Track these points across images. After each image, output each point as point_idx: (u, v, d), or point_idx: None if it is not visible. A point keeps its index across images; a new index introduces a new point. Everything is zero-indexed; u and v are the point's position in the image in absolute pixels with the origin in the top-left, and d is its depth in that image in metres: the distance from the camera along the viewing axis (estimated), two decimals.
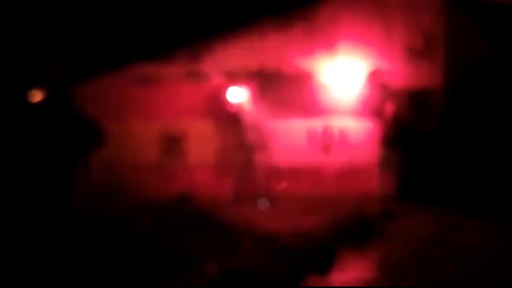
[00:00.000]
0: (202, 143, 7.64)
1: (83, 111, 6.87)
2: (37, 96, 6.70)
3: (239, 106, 7.40)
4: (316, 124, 7.88)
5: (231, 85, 7.51)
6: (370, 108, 7.63)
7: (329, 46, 7.80)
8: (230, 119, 7.33)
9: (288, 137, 7.81)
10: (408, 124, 7.54)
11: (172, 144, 7.65)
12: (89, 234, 5.01)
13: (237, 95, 7.52)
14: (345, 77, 7.75)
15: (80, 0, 6.73)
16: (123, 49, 7.18)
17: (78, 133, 6.85)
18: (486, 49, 7.63)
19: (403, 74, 7.92)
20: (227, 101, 7.30)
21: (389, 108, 7.43)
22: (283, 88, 7.68)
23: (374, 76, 7.96)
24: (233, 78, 7.53)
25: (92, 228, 5.20)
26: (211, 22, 7.00)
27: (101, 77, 7.39)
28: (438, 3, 7.91)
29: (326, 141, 7.91)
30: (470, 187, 7.29)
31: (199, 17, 6.95)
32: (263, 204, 7.04)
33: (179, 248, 4.51)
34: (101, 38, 6.75)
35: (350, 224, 5.87)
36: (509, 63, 7.77)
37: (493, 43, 7.68)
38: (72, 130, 6.84)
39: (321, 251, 5.01)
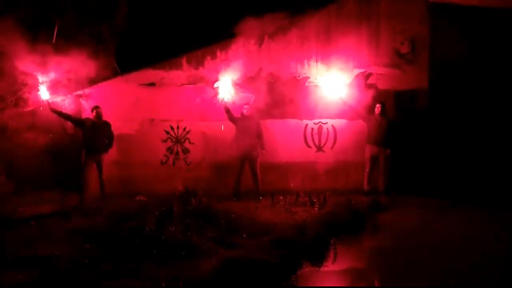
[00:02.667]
0: (205, 141, 7.63)
1: (97, 112, 6.84)
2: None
3: (239, 107, 7.37)
4: (310, 124, 7.88)
5: (231, 88, 7.49)
6: (360, 109, 7.63)
7: (322, 51, 7.80)
8: (231, 120, 7.30)
9: (285, 136, 7.81)
10: (395, 123, 7.55)
11: (177, 143, 7.64)
12: (99, 226, 5.00)
13: (238, 97, 7.49)
14: (337, 80, 7.74)
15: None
16: (132, 56, 7.19)
17: (95, 133, 6.80)
18: (467, 52, 7.65)
19: (391, 77, 7.94)
20: (228, 103, 7.28)
21: (378, 109, 7.43)
22: (279, 90, 7.68)
23: (363, 79, 7.97)
24: (233, 81, 7.52)
25: (101, 220, 5.19)
26: (213, 31, 6.99)
27: (112, 81, 7.40)
28: (423, 10, 7.92)
29: (319, 139, 7.92)
30: (453, 180, 7.34)
31: (202, 28, 6.95)
32: None
33: (183, 240, 4.48)
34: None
35: (342, 217, 5.84)
36: (488, 64, 7.82)
37: (473, 46, 7.71)
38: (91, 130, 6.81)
39: (314, 242, 4.98)
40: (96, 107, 6.84)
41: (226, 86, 7.34)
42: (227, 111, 7.21)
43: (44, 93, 6.60)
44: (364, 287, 4.34)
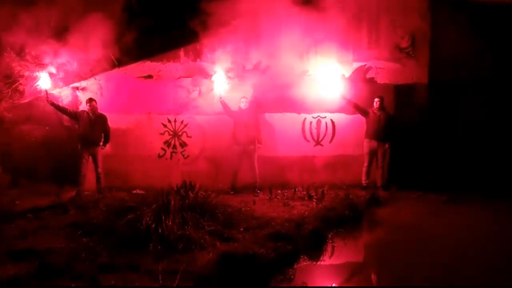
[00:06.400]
0: (202, 135, 7.63)
1: (91, 105, 6.82)
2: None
3: (237, 101, 7.36)
4: (309, 118, 7.88)
5: (229, 82, 7.49)
6: (358, 103, 7.63)
7: (321, 44, 7.75)
8: (228, 113, 7.30)
9: (283, 130, 7.81)
10: (394, 117, 7.57)
11: (174, 136, 7.63)
12: (96, 219, 5.01)
13: (235, 91, 7.48)
14: (336, 73, 7.74)
15: None
16: (129, 49, 7.15)
17: (90, 126, 6.79)
18: (468, 47, 7.63)
19: (390, 71, 7.93)
20: (225, 96, 7.28)
21: (376, 103, 7.44)
22: (278, 84, 7.64)
23: (363, 73, 7.96)
24: (231, 75, 7.51)
25: (98, 214, 5.20)
26: (210, 23, 6.95)
27: (109, 73, 7.37)
28: (424, 4, 7.89)
29: (318, 133, 7.92)
30: (452, 174, 7.37)
31: (199, 19, 6.91)
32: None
33: (180, 233, 4.48)
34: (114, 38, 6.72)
35: (340, 211, 5.86)
36: (489, 60, 7.80)
37: (474, 41, 7.68)
38: (86, 123, 6.79)
39: (312, 236, 5.00)
40: (90, 100, 6.82)
41: (224, 79, 7.34)
42: (224, 104, 7.21)
43: (44, 83, 6.58)
44: (361, 286, 4.35)
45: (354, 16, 7.75)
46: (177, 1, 7.28)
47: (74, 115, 6.85)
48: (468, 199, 6.87)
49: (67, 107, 6.94)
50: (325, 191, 6.77)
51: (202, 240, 4.53)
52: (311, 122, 7.90)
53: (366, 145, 7.52)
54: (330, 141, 7.93)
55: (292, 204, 6.34)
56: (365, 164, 7.53)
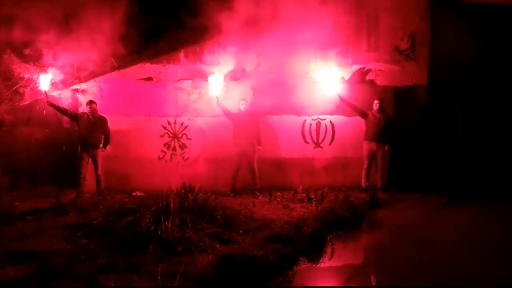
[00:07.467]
0: (202, 137, 7.65)
1: (92, 107, 6.83)
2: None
3: (236, 103, 7.38)
4: (309, 120, 7.89)
5: (229, 84, 7.50)
6: (358, 105, 7.65)
7: (321, 47, 7.77)
8: (228, 115, 7.32)
9: (283, 132, 7.82)
10: (393, 119, 7.58)
11: (174, 138, 7.64)
12: (95, 221, 5.02)
13: (235, 93, 7.50)
14: (335, 76, 7.75)
15: None
16: (129, 51, 7.18)
17: (90, 128, 6.81)
18: (467, 49, 7.64)
19: (390, 73, 7.95)
20: (224, 98, 7.29)
21: (376, 105, 7.46)
22: (277, 86, 7.65)
23: (362, 75, 7.98)
24: (231, 77, 7.52)
25: (98, 216, 5.20)
26: (211, 25, 6.99)
27: (109, 76, 7.39)
28: (423, 6, 7.92)
29: (318, 135, 7.93)
30: (452, 176, 7.38)
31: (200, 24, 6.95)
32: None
33: (180, 235, 4.49)
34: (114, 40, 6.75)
35: (339, 213, 5.86)
36: (488, 61, 7.82)
37: (474, 42, 7.69)
38: (86, 124, 6.80)
39: (311, 238, 5.01)
40: (90, 102, 6.84)
41: (223, 81, 7.36)
42: (223, 106, 7.23)
43: (44, 84, 6.60)
44: (360, 286, 4.36)
45: (354, 18, 7.76)
46: (177, 3, 7.31)
47: (74, 117, 6.87)
48: (468, 201, 6.88)
49: (67, 109, 6.96)
50: (324, 193, 6.77)
51: (201, 242, 4.54)
52: (310, 124, 7.91)
53: (366, 147, 7.53)
54: (330, 143, 7.94)
55: (291, 206, 6.35)
56: (365, 166, 7.54)
